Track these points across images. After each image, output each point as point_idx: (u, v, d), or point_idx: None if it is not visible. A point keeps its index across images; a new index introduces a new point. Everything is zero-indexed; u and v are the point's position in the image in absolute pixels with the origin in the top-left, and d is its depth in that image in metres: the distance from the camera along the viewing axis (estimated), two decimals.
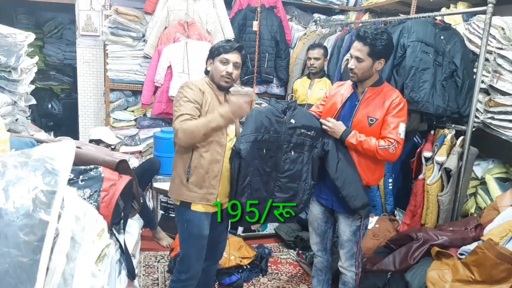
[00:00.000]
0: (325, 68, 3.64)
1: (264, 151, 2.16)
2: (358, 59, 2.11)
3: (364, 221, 2.30)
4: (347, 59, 2.89)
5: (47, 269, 0.90)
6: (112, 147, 3.59)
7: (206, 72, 2.19)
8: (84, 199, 1.48)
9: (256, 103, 4.28)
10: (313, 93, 3.47)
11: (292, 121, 2.19)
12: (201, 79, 2.19)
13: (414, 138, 3.23)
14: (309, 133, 2.20)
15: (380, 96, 2.16)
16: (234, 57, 2.09)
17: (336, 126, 2.17)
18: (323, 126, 2.20)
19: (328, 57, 3.60)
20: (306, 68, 3.72)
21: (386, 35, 2.10)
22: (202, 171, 2.07)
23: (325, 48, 3.56)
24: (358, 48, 2.11)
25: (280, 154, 2.20)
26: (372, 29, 2.12)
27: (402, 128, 2.12)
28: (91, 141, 3.16)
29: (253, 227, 3.75)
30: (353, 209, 2.19)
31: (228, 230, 2.38)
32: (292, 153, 2.21)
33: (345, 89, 2.30)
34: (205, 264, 2.28)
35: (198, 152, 2.07)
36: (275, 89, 4.32)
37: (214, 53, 2.11)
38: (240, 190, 2.14)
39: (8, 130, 1.73)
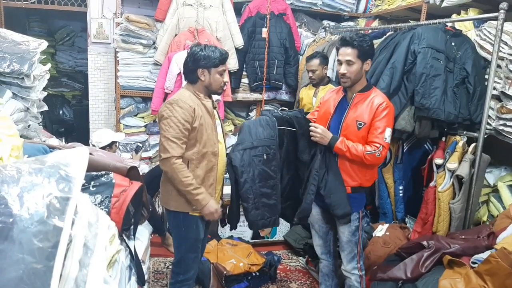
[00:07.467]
0: (331, 75, 3.63)
1: (265, 157, 2.23)
2: (349, 62, 2.20)
3: (361, 221, 2.36)
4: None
5: (60, 275, 0.90)
6: (130, 156, 3.62)
7: (194, 81, 2.18)
8: (95, 205, 1.49)
9: (265, 109, 4.29)
10: (317, 101, 3.46)
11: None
12: (185, 89, 2.19)
13: (425, 145, 3.20)
14: (292, 129, 2.30)
15: (368, 101, 2.25)
16: (225, 66, 2.19)
17: (325, 133, 2.24)
18: (312, 133, 2.26)
19: (328, 64, 3.54)
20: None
21: (367, 37, 2.25)
22: (198, 181, 2.12)
23: (322, 57, 3.43)
24: (347, 53, 2.21)
25: (279, 157, 2.27)
26: (353, 34, 2.28)
27: (388, 132, 2.21)
28: (103, 147, 3.17)
29: (262, 234, 3.74)
30: (335, 216, 2.30)
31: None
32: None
33: (337, 94, 2.39)
34: None
35: (193, 164, 2.13)
36: (284, 95, 4.32)
37: (208, 63, 2.12)
38: (242, 196, 2.23)
39: (21, 136, 1.74)
